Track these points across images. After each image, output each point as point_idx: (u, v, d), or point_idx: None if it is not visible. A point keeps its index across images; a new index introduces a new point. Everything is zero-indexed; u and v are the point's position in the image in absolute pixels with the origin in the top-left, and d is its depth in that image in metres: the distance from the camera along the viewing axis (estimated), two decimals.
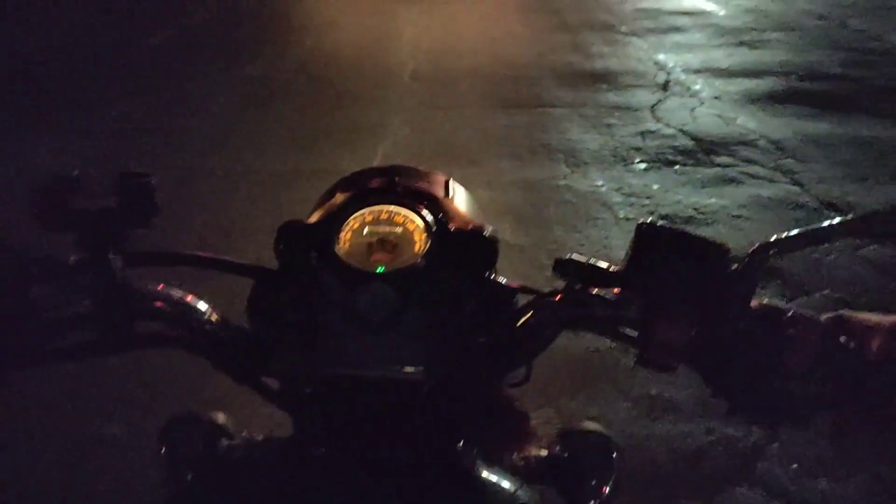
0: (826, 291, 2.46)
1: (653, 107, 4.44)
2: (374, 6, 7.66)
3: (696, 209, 3.08)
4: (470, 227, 0.57)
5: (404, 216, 0.58)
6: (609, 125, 4.13)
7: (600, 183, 3.36)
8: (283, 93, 4.76)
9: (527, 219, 3.02)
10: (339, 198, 0.62)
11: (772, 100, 4.54)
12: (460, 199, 0.66)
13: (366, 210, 0.58)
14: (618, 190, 3.29)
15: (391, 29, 6.59)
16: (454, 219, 0.59)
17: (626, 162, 3.61)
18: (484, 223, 0.59)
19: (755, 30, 6.44)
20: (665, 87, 4.83)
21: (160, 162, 3.60)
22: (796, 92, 4.69)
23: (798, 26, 6.59)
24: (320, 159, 3.65)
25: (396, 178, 0.62)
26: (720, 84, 4.85)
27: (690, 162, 3.60)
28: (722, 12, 7.25)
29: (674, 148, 3.78)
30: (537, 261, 2.67)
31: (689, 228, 0.52)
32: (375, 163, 3.59)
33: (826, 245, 2.74)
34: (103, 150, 3.73)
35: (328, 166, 3.55)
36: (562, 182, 3.38)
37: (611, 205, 3.14)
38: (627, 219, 3.01)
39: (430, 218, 0.57)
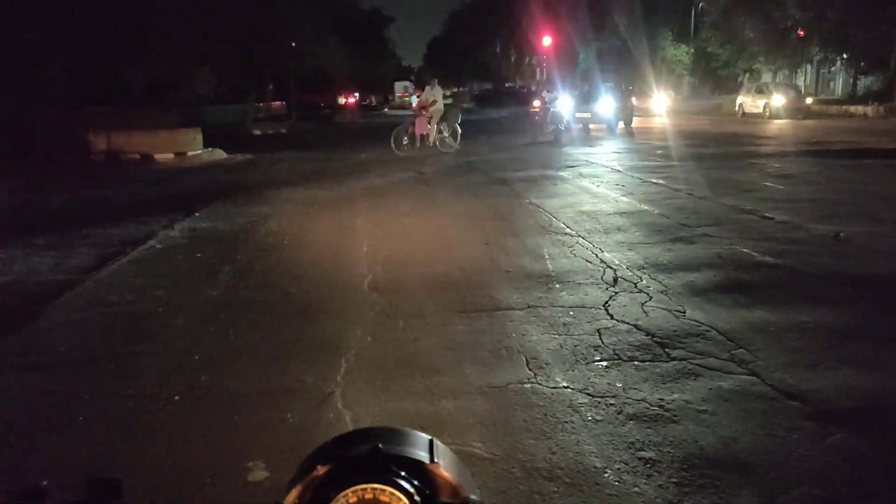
0: (804, 488, 2.42)
1: (605, 304, 4.62)
2: (332, 223, 8.10)
3: (661, 406, 3.09)
4: (459, 500, 0.57)
5: (390, 494, 0.57)
6: (566, 324, 4.26)
7: (564, 384, 3.38)
8: (245, 311, 4.82)
9: (495, 428, 2.98)
10: (320, 471, 0.62)
11: (714, 291, 4.80)
12: (445, 462, 0.66)
13: (349, 491, 0.58)
14: (582, 391, 3.31)
15: (350, 243, 6.92)
16: (441, 489, 0.59)
17: (586, 361, 3.67)
18: (470, 491, 0.59)
19: (688, 226, 6.97)
20: (614, 283, 5.09)
21: (114, 391, 3.50)
22: (735, 282, 4.99)
23: (726, 220, 7.18)
24: (283, 377, 3.61)
25: (379, 446, 0.62)
26: (664, 279, 5.14)
27: (648, 357, 3.69)
28: (656, 211, 7.88)
29: (630, 344, 3.89)
30: (509, 474, 2.58)
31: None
32: (339, 377, 3.57)
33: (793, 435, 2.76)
34: (53, 384, 3.63)
35: (292, 384, 3.51)
36: (527, 385, 3.39)
37: (577, 407, 3.14)
38: (596, 421, 2.99)
39: (417, 497, 0.57)
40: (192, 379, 3.63)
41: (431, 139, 16.53)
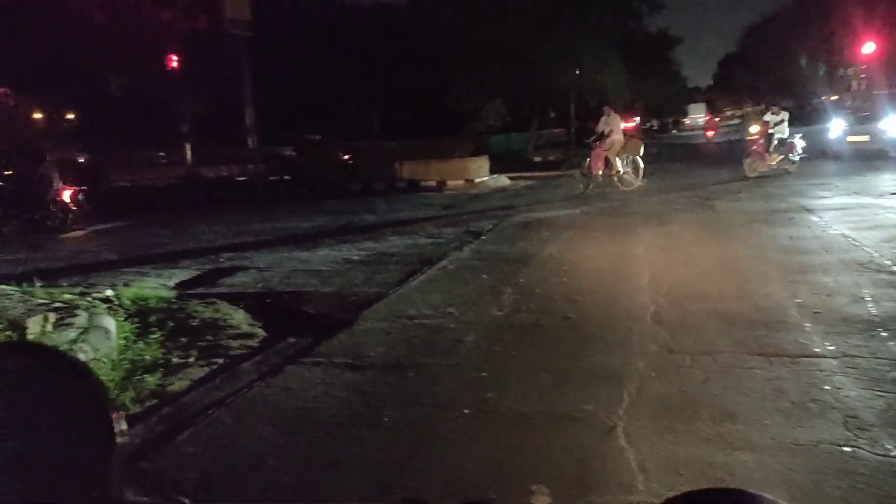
0: None
1: None
2: (611, 249, 7.98)
3: None
4: None
5: None
6: None
7: None
8: (527, 333, 4.97)
9: (802, 492, 2.61)
10: None
11: None
12: None
13: None
14: None
15: (631, 271, 6.74)
16: None
17: None
18: None
19: None
20: None
21: (414, 397, 3.86)
22: None
23: None
24: (564, 403, 3.63)
25: None
26: None
27: None
28: None
29: None
30: None
31: None
32: (621, 411, 3.47)
33: None
34: (365, 384, 4.13)
35: (573, 411, 3.51)
36: (844, 448, 2.92)
37: None
38: None
39: None
40: (479, 395, 3.84)
41: (614, 173, 14.47)
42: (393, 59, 27.61)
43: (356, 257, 8.48)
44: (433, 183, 17.81)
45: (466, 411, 3.61)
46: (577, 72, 26.03)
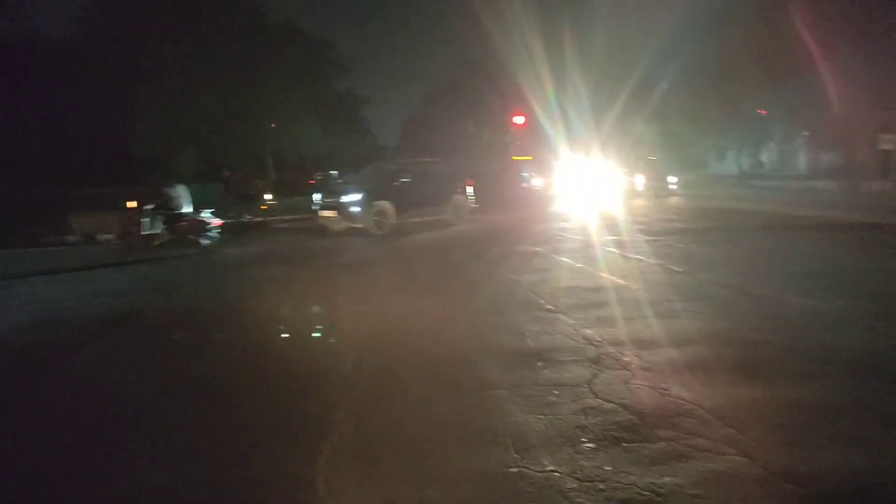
0: None
1: (589, 382, 4.60)
2: (311, 300, 8.04)
3: (652, 491, 3.04)
4: None
5: None
6: (550, 404, 4.21)
7: (552, 468, 3.32)
8: (225, 392, 4.71)
9: None
10: None
11: (698, 368, 4.80)
12: None
13: None
14: (570, 474, 3.25)
15: (331, 321, 6.85)
16: None
17: (573, 443, 3.62)
18: None
19: (668, 301, 7.04)
20: (597, 361, 5.07)
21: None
22: (719, 358, 5.01)
23: (704, 296, 7.27)
24: (265, 464, 3.50)
25: None
26: (647, 355, 5.14)
27: (636, 438, 3.65)
28: (634, 286, 7.97)
29: (617, 423, 3.85)
30: None
31: None
32: (322, 461, 3.46)
33: None
34: None
35: (274, 473, 3.40)
36: (513, 469, 3.32)
37: (566, 492, 3.08)
38: None
39: None
40: (170, 466, 3.50)
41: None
42: (66, 98, 24.53)
43: None
44: (112, 236, 16.00)
45: (151, 490, 3.25)
46: (273, 125, 26.15)
